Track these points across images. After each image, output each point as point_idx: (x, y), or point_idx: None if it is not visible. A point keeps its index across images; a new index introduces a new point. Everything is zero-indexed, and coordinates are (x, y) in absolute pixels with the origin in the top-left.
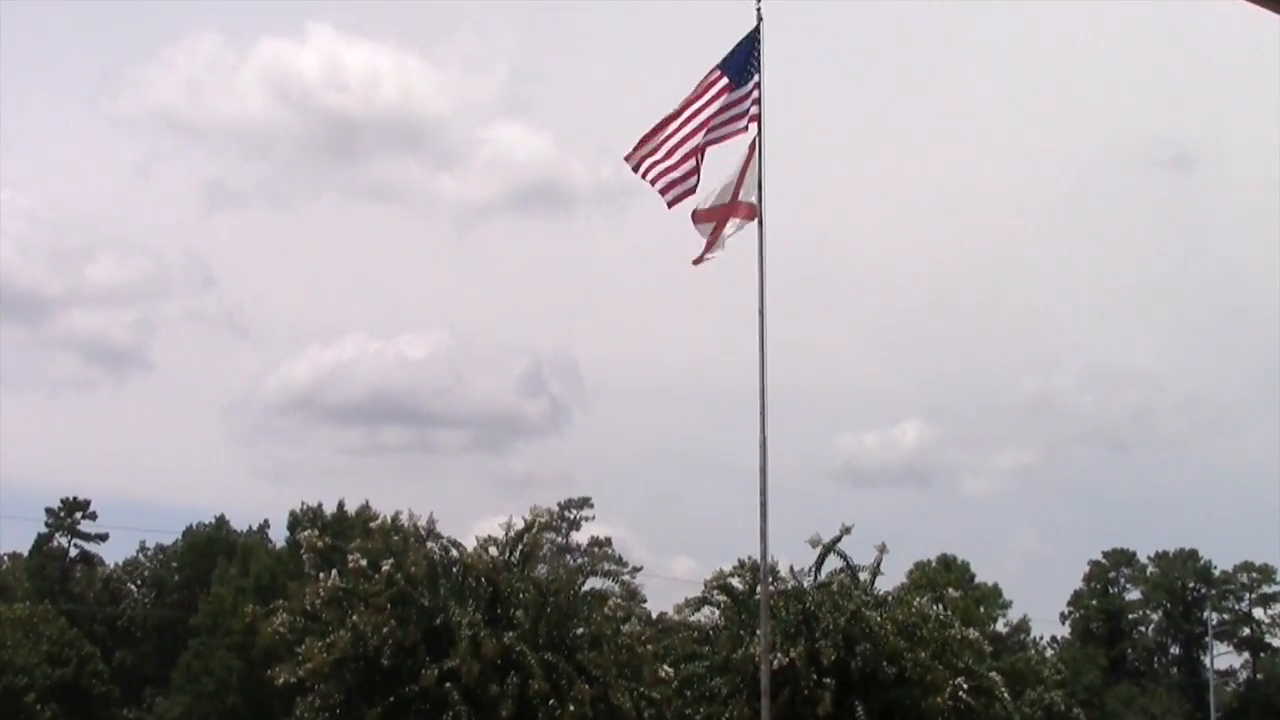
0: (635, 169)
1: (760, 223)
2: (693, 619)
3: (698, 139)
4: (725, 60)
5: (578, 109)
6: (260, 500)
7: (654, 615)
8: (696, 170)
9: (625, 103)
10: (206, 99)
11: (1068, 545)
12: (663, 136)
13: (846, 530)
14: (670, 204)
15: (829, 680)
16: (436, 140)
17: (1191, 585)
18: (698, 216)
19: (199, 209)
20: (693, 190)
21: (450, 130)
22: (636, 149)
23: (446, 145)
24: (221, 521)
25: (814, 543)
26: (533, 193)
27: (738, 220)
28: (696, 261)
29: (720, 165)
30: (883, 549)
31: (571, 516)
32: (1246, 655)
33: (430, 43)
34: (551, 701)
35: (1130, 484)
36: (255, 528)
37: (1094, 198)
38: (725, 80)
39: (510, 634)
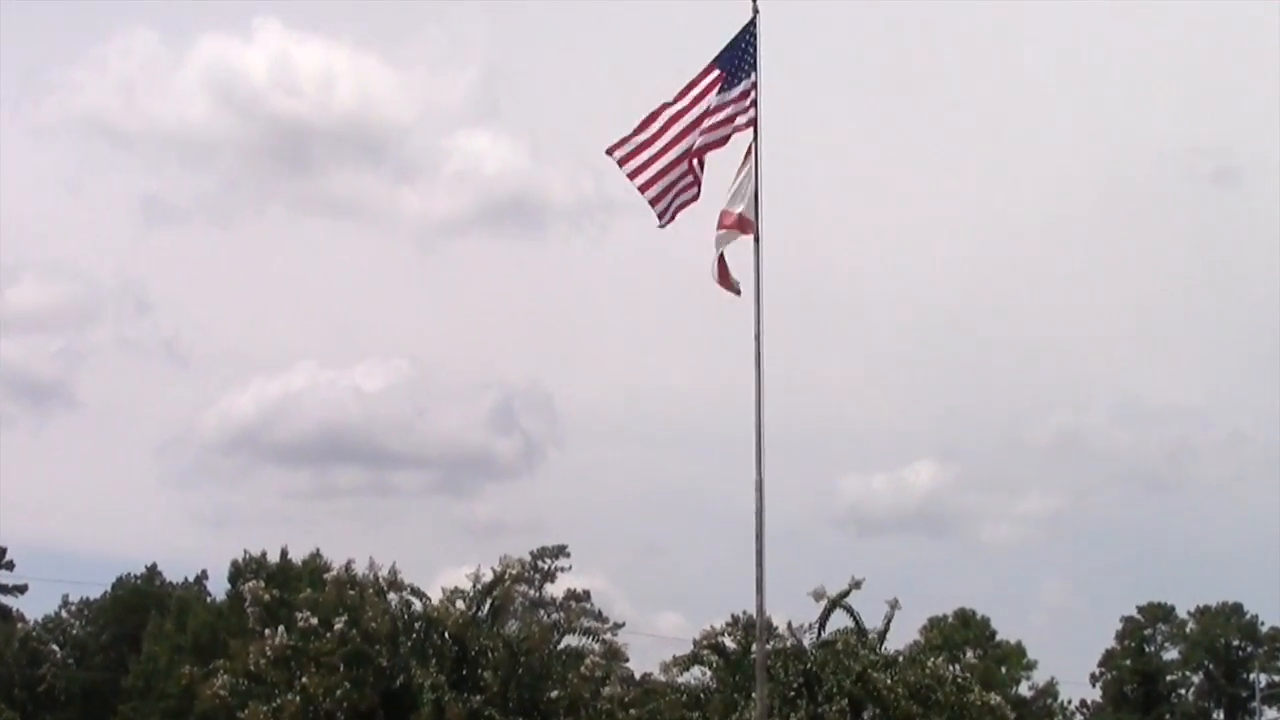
0: (621, 165)
1: (756, 239)
2: (681, 681)
3: (691, 138)
4: (721, 55)
5: (556, 115)
6: (197, 549)
7: (637, 676)
8: (697, 181)
9: (609, 109)
10: (141, 104)
11: (1099, 599)
12: (652, 132)
13: (856, 584)
14: (661, 218)
15: None
16: (398, 149)
17: (1236, 643)
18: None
19: (133, 226)
20: (694, 199)
21: (413, 138)
22: (622, 143)
23: (409, 155)
24: (154, 572)
25: (818, 595)
26: (505, 208)
27: (727, 232)
28: (726, 284)
29: (713, 168)
30: (895, 605)
31: (545, 567)
32: None
33: (391, 41)
34: None
35: (1168, 531)
36: (192, 579)
37: (1127, 214)
38: (721, 77)
39: (478, 697)
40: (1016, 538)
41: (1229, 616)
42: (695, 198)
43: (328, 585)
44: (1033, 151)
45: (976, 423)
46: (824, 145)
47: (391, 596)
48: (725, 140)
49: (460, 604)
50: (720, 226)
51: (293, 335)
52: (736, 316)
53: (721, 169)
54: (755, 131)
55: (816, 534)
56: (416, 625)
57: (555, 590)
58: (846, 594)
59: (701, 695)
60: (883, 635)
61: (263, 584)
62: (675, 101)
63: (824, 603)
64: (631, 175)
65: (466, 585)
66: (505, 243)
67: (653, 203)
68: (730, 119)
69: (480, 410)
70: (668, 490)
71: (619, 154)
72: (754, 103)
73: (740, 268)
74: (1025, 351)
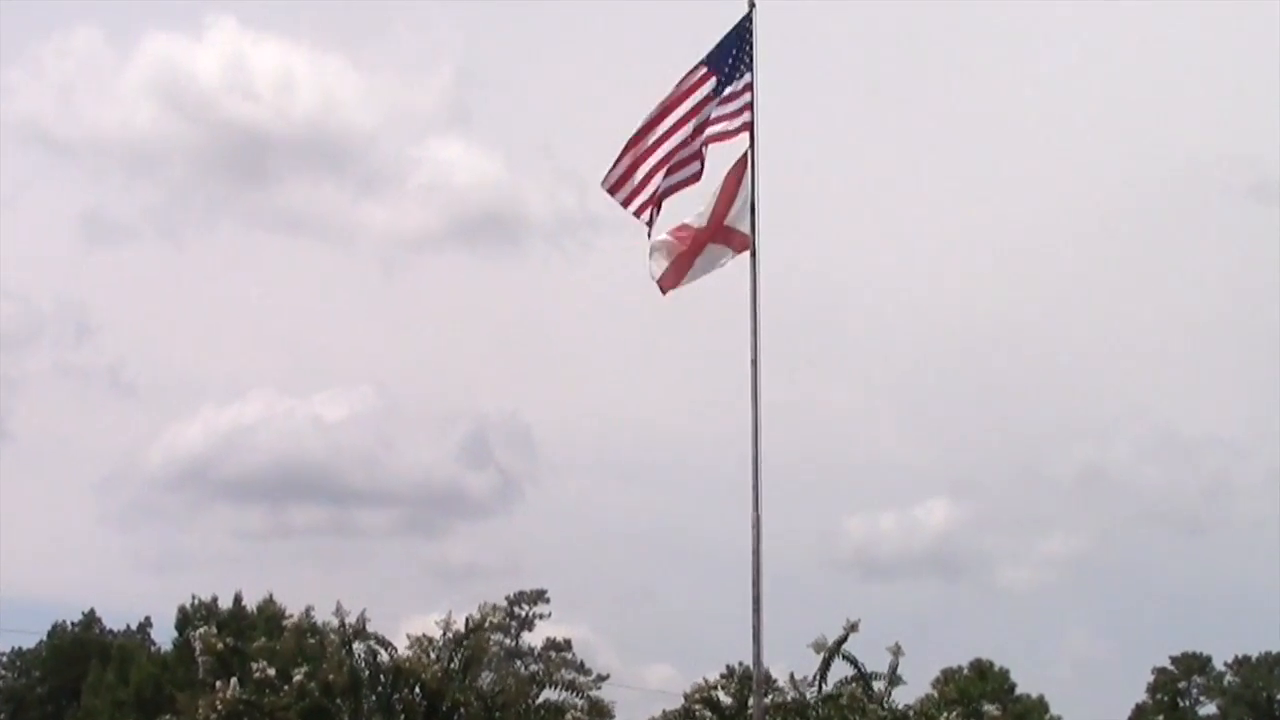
0: (612, 193)
1: (753, 256)
2: None
3: (677, 144)
4: (711, 55)
5: (534, 123)
6: (140, 594)
7: None
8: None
9: (592, 116)
10: (82, 109)
11: (1128, 649)
12: (640, 152)
13: (852, 627)
14: (648, 220)
15: None
16: (362, 159)
17: (1279, 698)
18: (673, 235)
19: (73, 243)
20: (695, 178)
21: (379, 147)
22: (612, 171)
23: (374, 165)
24: (92, 619)
25: (818, 647)
26: (478, 223)
27: (718, 248)
28: (666, 288)
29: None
30: (897, 651)
31: (523, 613)
32: None
33: (356, 42)
34: None
35: (1203, 574)
36: (134, 627)
37: (1156, 229)
38: (713, 79)
39: None
40: (1037, 582)
41: (1271, 668)
42: (697, 177)
43: (285, 633)
44: (1054, 161)
45: (993, 456)
46: (826, 152)
47: (356, 646)
48: (729, 135)
49: (431, 653)
50: (707, 242)
51: (246, 361)
52: (730, 340)
53: (709, 176)
54: (751, 137)
55: (819, 578)
56: (382, 677)
57: (533, 639)
58: (844, 639)
59: None
60: (889, 685)
61: (214, 631)
62: (665, 114)
63: (823, 653)
64: (625, 202)
65: (436, 633)
66: (479, 261)
67: (642, 211)
68: (722, 124)
69: (451, 443)
70: (657, 530)
71: (609, 183)
72: (750, 105)
73: (734, 288)
74: (1046, 378)
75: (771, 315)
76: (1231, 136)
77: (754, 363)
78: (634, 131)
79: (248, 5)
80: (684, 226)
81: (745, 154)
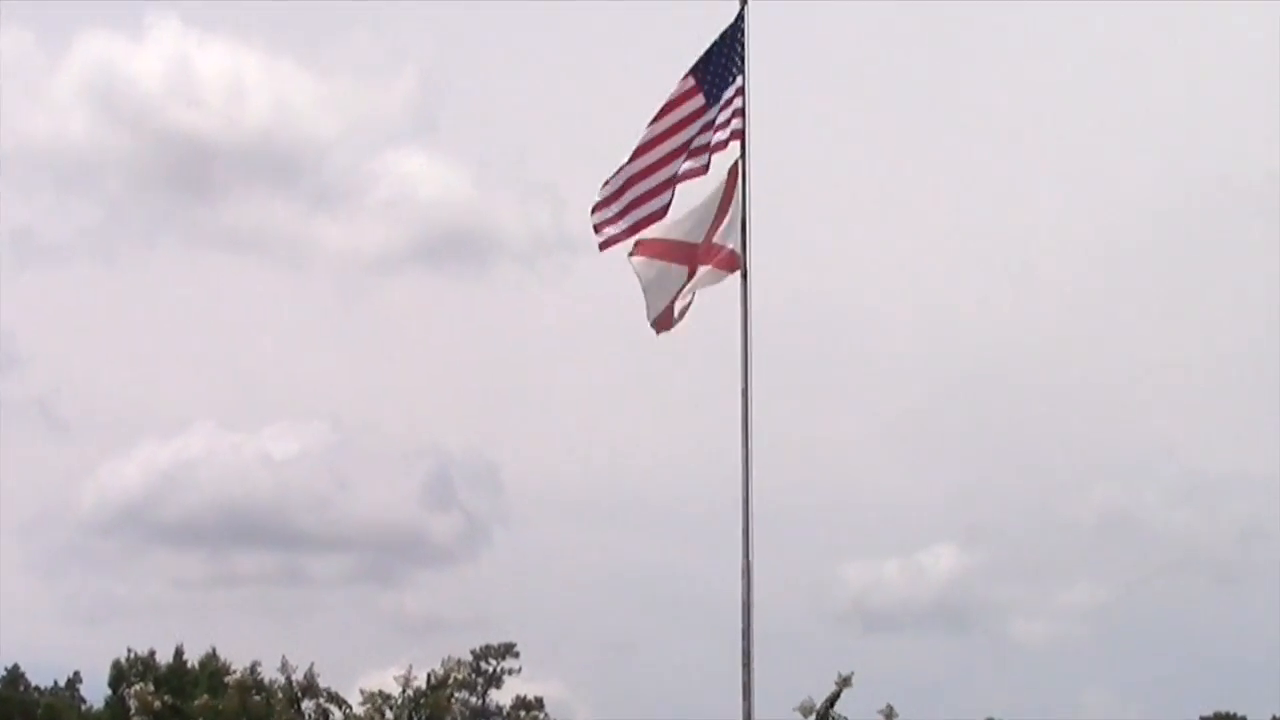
0: (605, 241)
1: (744, 277)
2: None
3: (669, 170)
4: (699, 65)
5: (506, 134)
6: (70, 647)
7: None
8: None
9: (568, 127)
10: (10, 117)
11: (1156, 708)
12: (628, 182)
13: (845, 681)
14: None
15: None
16: (317, 172)
17: None
18: (643, 249)
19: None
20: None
21: (335, 159)
22: (601, 208)
23: (330, 179)
24: (16, 675)
25: (805, 710)
26: (443, 243)
27: (712, 270)
28: (663, 327)
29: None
30: (889, 714)
31: (490, 669)
32: None
33: (312, 44)
34: None
35: (1238, 626)
36: (63, 683)
37: (1187, 251)
38: (699, 94)
39: None
40: (1056, 635)
41: None
42: (663, 212)
43: (229, 690)
44: (1074, 175)
45: (1007, 498)
46: (823, 164)
47: (305, 704)
48: (707, 168)
49: (389, 713)
50: (659, 254)
51: (188, 392)
52: (719, 368)
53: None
54: (743, 146)
55: (815, 630)
56: None
57: (502, 697)
58: (836, 696)
59: None
60: None
61: (151, 688)
62: (657, 140)
63: (812, 716)
64: (598, 227)
65: (394, 689)
66: (444, 283)
67: (608, 246)
68: (712, 133)
69: (413, 482)
70: (638, 578)
71: (601, 227)
72: (741, 112)
73: (724, 312)
74: (1065, 413)
75: (764, 341)
76: (1271, 151)
77: (745, 394)
78: (627, 157)
79: (193, 3)
80: (670, 243)
81: (735, 164)
